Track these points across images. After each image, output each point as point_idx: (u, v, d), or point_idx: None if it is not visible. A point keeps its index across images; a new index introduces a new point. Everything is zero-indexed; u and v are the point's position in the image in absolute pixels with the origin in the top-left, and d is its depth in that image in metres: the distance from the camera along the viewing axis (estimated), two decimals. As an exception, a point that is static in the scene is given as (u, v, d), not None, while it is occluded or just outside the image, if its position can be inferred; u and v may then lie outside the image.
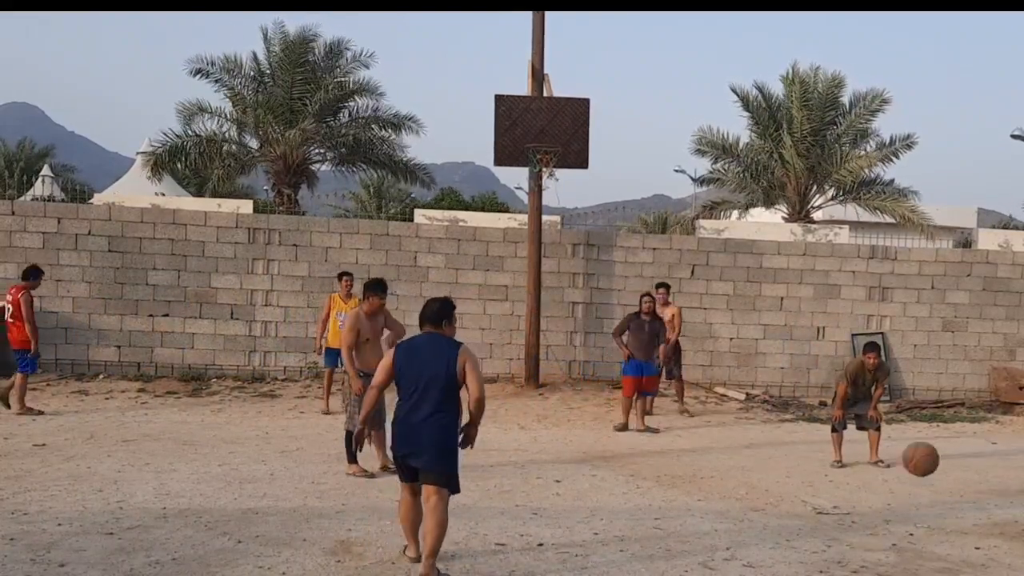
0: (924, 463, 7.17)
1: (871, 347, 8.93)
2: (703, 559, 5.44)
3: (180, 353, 13.03)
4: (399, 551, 5.24)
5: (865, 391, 9.04)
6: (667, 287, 12.10)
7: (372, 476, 7.42)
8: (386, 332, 7.64)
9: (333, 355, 10.53)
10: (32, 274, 10.44)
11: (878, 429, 9.03)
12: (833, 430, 8.99)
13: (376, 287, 7.57)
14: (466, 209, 27.38)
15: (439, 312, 5.11)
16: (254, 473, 7.44)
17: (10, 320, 10.21)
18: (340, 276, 11.20)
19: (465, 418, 5.06)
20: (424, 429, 4.86)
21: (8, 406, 10.10)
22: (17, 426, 9.34)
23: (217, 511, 6.13)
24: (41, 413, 10.15)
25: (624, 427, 10.55)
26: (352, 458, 7.45)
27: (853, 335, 14.20)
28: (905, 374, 14.39)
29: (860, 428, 9.09)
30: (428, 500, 4.86)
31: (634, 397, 10.63)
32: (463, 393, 5.00)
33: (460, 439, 4.99)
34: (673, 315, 11.68)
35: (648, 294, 11.09)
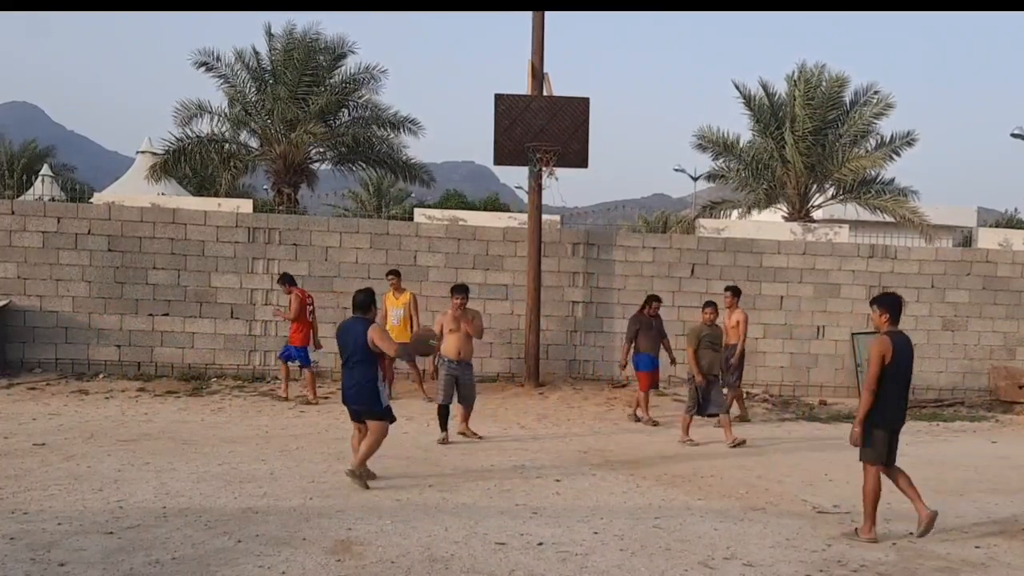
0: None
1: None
2: (703, 558, 5.43)
3: (180, 352, 13.04)
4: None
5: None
6: (736, 292, 11.62)
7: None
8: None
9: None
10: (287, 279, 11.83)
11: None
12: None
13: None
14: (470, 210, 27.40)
15: (364, 301, 7.27)
16: (254, 472, 7.44)
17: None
18: (388, 274, 12.21)
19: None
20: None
21: None
22: (17, 425, 9.34)
23: (217, 510, 6.13)
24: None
25: (654, 423, 10.96)
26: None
27: (853, 334, 14.20)
28: (905, 373, 14.38)
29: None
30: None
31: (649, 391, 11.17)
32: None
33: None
34: (739, 321, 11.31)
35: (657, 298, 11.27)
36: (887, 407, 5.99)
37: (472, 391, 9.56)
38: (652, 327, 11.07)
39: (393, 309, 11.79)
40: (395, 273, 12.05)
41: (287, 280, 11.79)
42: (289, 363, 11.77)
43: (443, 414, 9.30)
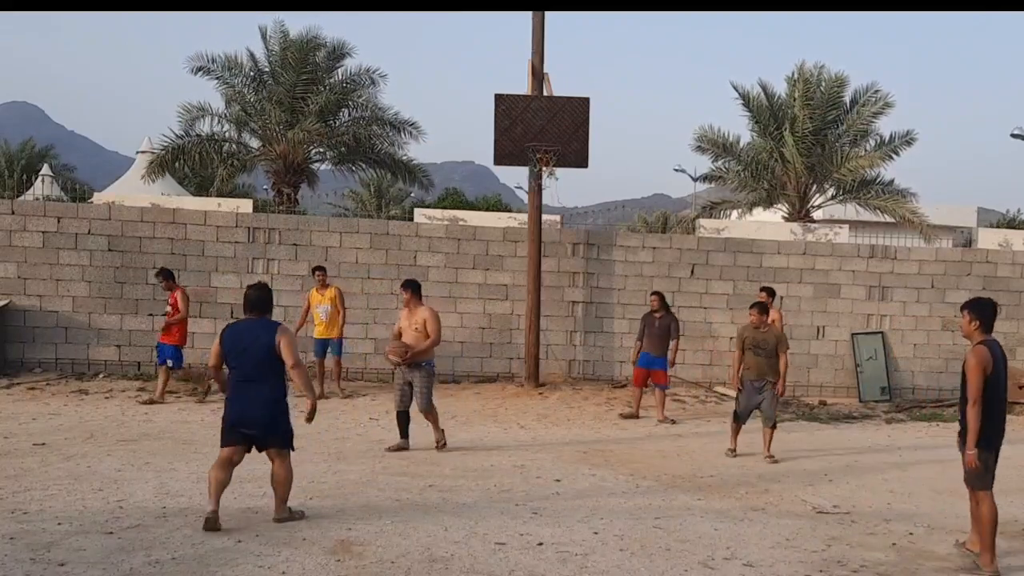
0: None
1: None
2: (703, 558, 5.43)
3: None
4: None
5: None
6: (771, 292, 11.61)
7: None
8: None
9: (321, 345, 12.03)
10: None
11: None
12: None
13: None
14: (470, 210, 27.46)
15: (263, 300, 5.96)
16: (254, 472, 7.41)
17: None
18: (314, 270, 12.18)
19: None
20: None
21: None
22: (17, 425, 9.34)
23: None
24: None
25: (633, 415, 11.12)
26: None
27: (853, 334, 14.20)
28: (905, 373, 14.39)
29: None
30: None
31: (643, 389, 11.23)
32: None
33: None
34: (774, 320, 11.00)
35: (656, 292, 11.57)
36: (994, 425, 5.37)
37: (422, 396, 8.46)
38: (656, 325, 11.14)
39: (319, 305, 11.94)
40: (321, 269, 12.14)
41: (168, 275, 11.30)
42: (166, 364, 11.23)
43: (399, 420, 8.63)
